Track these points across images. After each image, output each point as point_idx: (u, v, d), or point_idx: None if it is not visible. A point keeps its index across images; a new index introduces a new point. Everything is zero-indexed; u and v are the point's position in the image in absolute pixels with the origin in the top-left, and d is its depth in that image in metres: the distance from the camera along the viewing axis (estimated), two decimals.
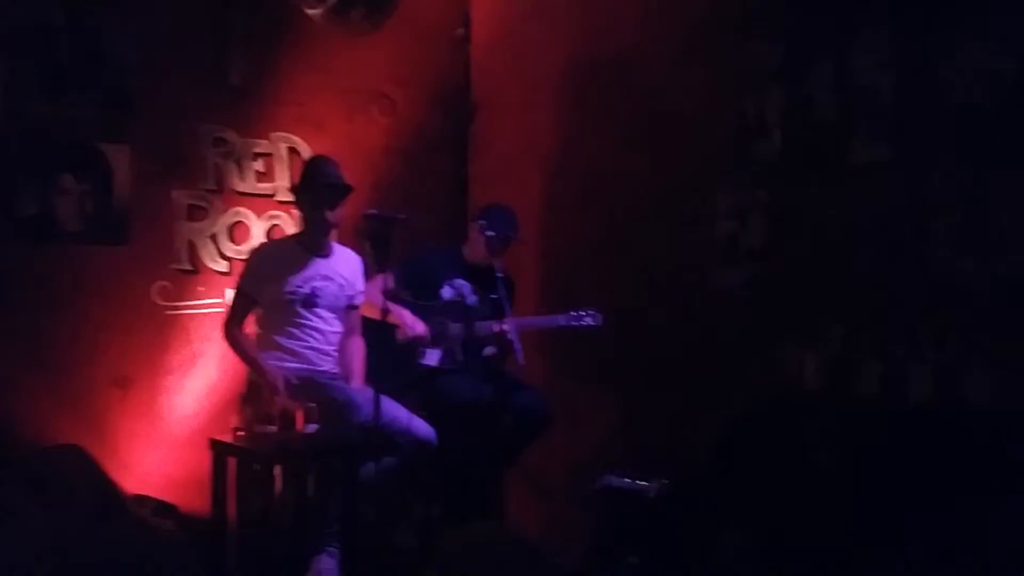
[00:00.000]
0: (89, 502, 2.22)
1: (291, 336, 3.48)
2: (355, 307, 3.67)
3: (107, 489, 2.43)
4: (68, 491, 2.21)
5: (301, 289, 3.47)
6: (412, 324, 3.69)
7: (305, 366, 3.47)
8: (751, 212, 3.65)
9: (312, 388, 3.40)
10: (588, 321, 3.82)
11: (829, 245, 3.37)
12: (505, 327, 3.67)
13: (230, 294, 3.79)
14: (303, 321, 3.48)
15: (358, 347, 3.68)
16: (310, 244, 3.55)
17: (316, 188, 3.49)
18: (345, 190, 3.52)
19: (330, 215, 3.49)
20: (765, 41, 3.56)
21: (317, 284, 3.50)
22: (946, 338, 2.98)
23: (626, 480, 3.43)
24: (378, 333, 3.59)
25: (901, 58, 3.17)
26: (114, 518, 2.25)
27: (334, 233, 3.61)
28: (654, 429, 3.81)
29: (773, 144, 3.58)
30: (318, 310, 3.50)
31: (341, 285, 3.57)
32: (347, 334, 3.65)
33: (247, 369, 3.50)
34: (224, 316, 3.55)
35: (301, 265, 3.49)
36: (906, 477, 2.71)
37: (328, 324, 3.54)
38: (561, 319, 3.84)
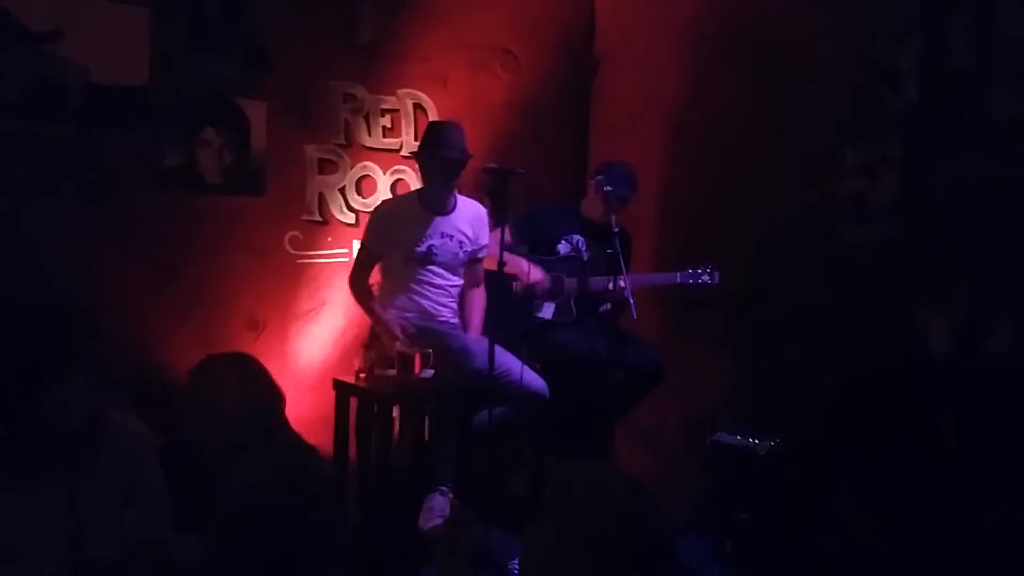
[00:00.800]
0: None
1: (409, 291, 3.61)
2: (478, 260, 3.75)
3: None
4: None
5: (418, 248, 3.57)
6: (530, 272, 3.74)
7: (423, 317, 3.58)
8: (882, 167, 3.51)
9: (429, 335, 3.51)
10: (706, 278, 3.78)
11: (963, 203, 3.21)
12: (620, 283, 3.67)
13: (356, 245, 3.94)
14: (420, 277, 3.60)
15: (479, 299, 3.77)
16: (431, 202, 3.63)
17: (434, 159, 3.56)
18: (461, 163, 3.58)
19: (447, 185, 3.57)
20: None
21: (435, 243, 3.59)
22: None
23: (738, 437, 3.41)
24: (495, 284, 3.66)
25: None
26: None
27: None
28: (770, 388, 3.75)
29: (907, 95, 3.43)
30: (434, 267, 3.60)
31: (461, 242, 3.65)
32: (469, 285, 3.74)
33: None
34: (350, 269, 3.71)
35: (420, 223, 3.59)
36: None
37: (445, 279, 3.64)
38: (678, 276, 3.81)
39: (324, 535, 2.16)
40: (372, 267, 3.69)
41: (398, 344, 3.43)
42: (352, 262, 3.76)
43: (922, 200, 3.36)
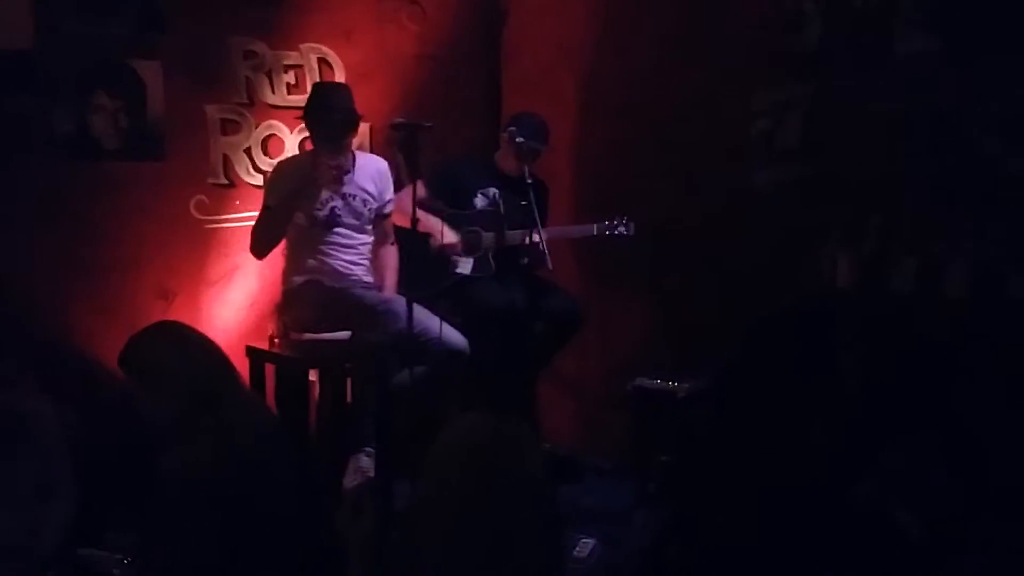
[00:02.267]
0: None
1: (319, 253, 3.53)
2: (385, 216, 3.69)
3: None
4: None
5: (320, 212, 3.49)
6: (443, 234, 3.71)
7: (337, 281, 3.52)
8: (788, 109, 3.55)
9: (348, 298, 3.46)
10: (621, 229, 3.80)
11: (870, 141, 3.27)
12: (536, 237, 3.66)
13: None
14: (328, 239, 3.53)
15: (391, 255, 3.72)
16: None
17: (319, 122, 3.46)
18: (346, 125, 3.46)
19: (337, 147, 3.44)
20: None
21: (336, 204, 3.51)
22: (988, 233, 2.89)
23: (657, 382, 3.46)
24: (410, 241, 3.61)
25: None
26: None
27: (363, 143, 3.61)
28: (688, 332, 3.80)
29: (811, 36, 3.46)
30: (340, 229, 3.53)
31: (365, 200, 3.59)
32: (379, 243, 3.68)
33: (284, 276, 3.58)
34: (251, 235, 3.56)
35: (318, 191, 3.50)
36: (937, 373, 2.68)
37: (354, 239, 3.58)
38: (594, 228, 3.83)
39: (270, 507, 2.14)
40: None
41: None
42: (253, 227, 3.59)
43: (828, 139, 3.41)
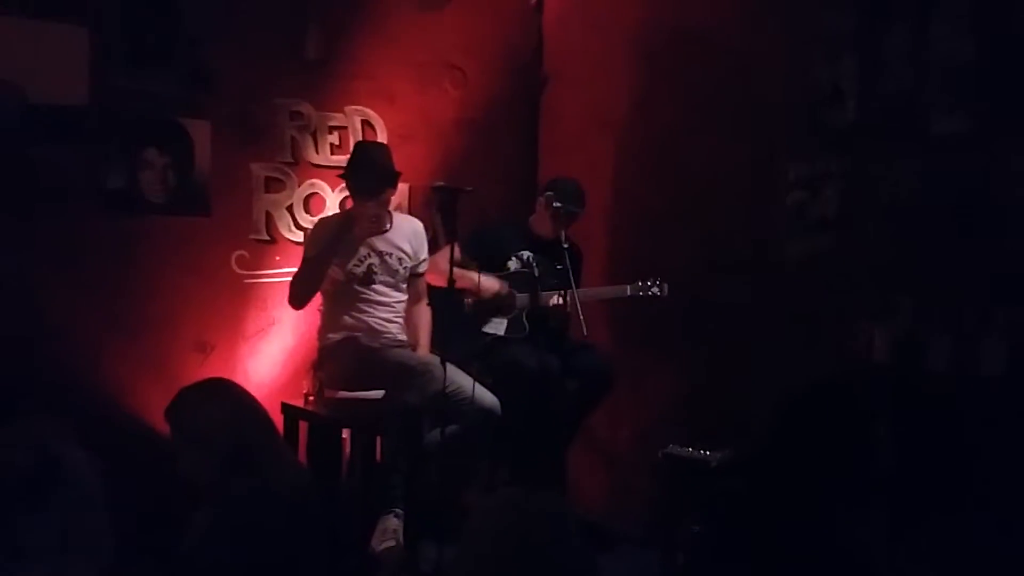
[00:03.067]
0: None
1: (355, 310, 3.58)
2: (419, 275, 3.74)
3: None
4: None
5: (358, 268, 3.56)
6: (480, 282, 3.75)
7: (373, 339, 3.56)
8: (823, 182, 3.58)
9: (384, 356, 3.49)
10: (655, 291, 3.83)
11: (902, 218, 3.29)
12: (570, 298, 3.69)
13: None
14: (364, 296, 3.58)
15: (425, 315, 3.77)
16: None
17: (359, 177, 3.55)
18: (384, 182, 3.54)
19: (372, 205, 3.52)
20: (839, 5, 3.48)
21: (373, 261, 3.58)
22: (1018, 315, 2.89)
23: (689, 449, 3.44)
24: (446, 302, 3.65)
25: (981, 23, 3.06)
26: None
27: (402, 204, 3.68)
28: (720, 400, 3.79)
29: (847, 113, 3.50)
30: (376, 286, 3.60)
31: (400, 258, 3.65)
32: (412, 301, 3.74)
33: (320, 332, 3.65)
34: (290, 286, 3.62)
35: (356, 243, 3.57)
36: (971, 451, 2.66)
37: (389, 296, 3.64)
38: (628, 289, 3.86)
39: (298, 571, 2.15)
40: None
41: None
42: (292, 279, 3.65)
43: (862, 214, 3.43)
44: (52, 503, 2.48)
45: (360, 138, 4.21)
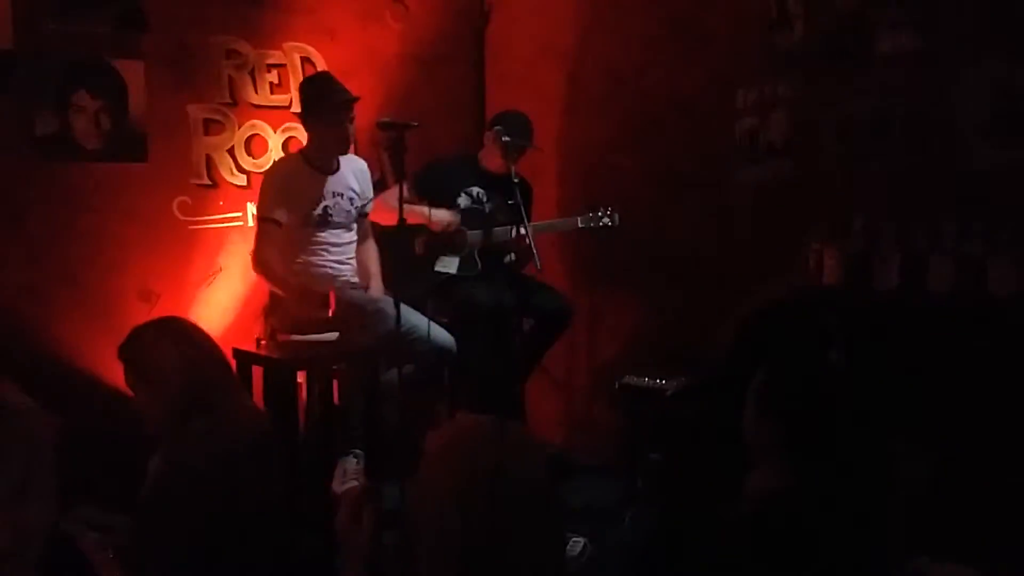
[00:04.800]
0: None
1: (309, 254, 3.50)
2: (365, 215, 3.69)
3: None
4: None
5: (314, 211, 3.47)
6: (437, 215, 3.69)
7: (326, 284, 3.48)
8: (772, 107, 3.57)
9: (340, 301, 3.43)
10: (606, 221, 3.81)
11: (852, 138, 3.29)
12: (523, 232, 3.66)
13: (251, 208, 3.83)
14: (318, 239, 3.50)
15: (373, 252, 3.72)
16: (318, 162, 3.52)
17: (327, 106, 3.44)
18: (352, 101, 3.48)
19: (348, 129, 3.46)
20: None
21: (328, 203, 3.50)
22: (971, 231, 2.92)
23: (645, 379, 3.47)
24: (395, 242, 3.60)
25: None
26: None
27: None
28: (675, 329, 3.82)
29: (794, 35, 3.47)
30: (332, 228, 3.52)
31: (351, 198, 3.58)
32: (360, 240, 3.68)
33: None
34: (254, 250, 3.48)
35: (312, 185, 3.48)
36: (924, 371, 2.70)
37: (341, 238, 3.57)
38: (579, 220, 3.83)
39: (256, 511, 2.13)
40: (277, 237, 3.44)
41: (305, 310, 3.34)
42: (255, 244, 3.49)
43: (812, 137, 3.43)
44: (4, 450, 2.44)
45: (300, 76, 4.09)
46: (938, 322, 2.87)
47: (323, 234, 3.51)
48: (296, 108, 4.07)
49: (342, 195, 3.55)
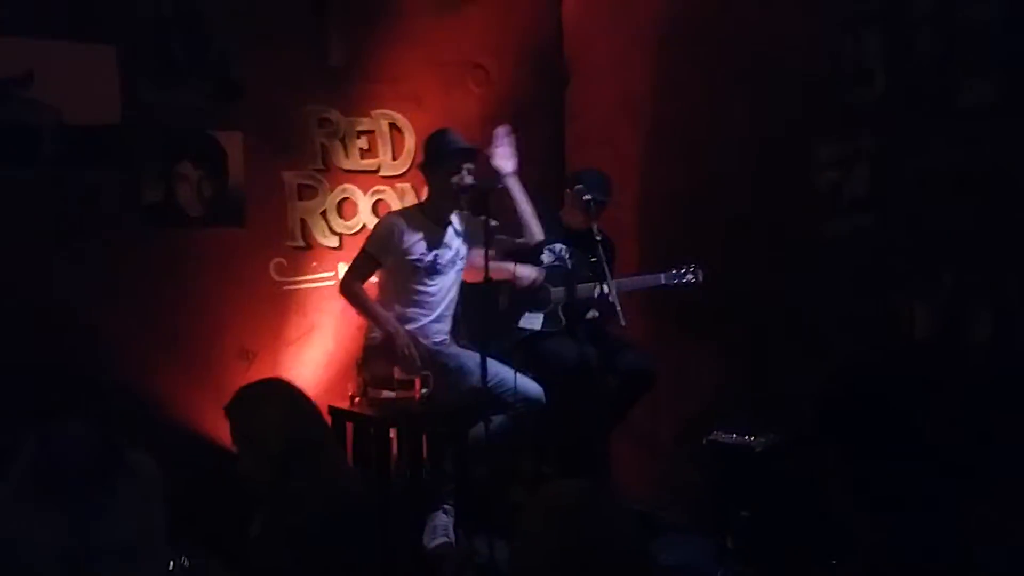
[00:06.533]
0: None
1: (412, 304, 3.61)
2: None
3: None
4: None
5: (425, 257, 3.59)
6: (522, 271, 3.78)
7: (421, 332, 3.59)
8: (853, 160, 3.57)
9: (423, 355, 3.52)
10: (690, 277, 3.82)
11: (935, 191, 3.27)
12: (606, 289, 3.70)
13: (342, 268, 3.95)
14: (424, 288, 3.61)
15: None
16: (433, 213, 3.67)
17: (446, 155, 3.59)
18: (473, 151, 3.63)
19: (466, 177, 3.58)
20: None
21: (439, 251, 3.62)
22: None
23: (733, 435, 3.45)
24: (480, 298, 3.68)
25: None
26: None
27: None
28: (761, 384, 3.79)
29: (874, 89, 3.48)
30: (438, 276, 3.62)
31: (457, 250, 3.69)
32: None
33: (365, 332, 3.66)
34: (344, 275, 3.69)
35: (425, 233, 3.61)
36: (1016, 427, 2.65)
37: (446, 291, 3.67)
38: (663, 277, 3.86)
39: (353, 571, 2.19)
40: (370, 275, 3.67)
41: (397, 370, 3.43)
42: (348, 269, 3.72)
43: (895, 190, 3.41)
44: (121, 493, 2.55)
45: (389, 142, 4.26)
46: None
47: (428, 286, 3.61)
48: (385, 172, 4.25)
49: (451, 247, 3.67)
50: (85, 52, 3.59)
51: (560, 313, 3.95)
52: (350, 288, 3.61)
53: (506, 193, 3.68)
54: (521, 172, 4.43)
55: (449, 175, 3.57)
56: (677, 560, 3.39)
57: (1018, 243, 3.00)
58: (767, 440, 3.35)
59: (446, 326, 3.70)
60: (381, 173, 4.26)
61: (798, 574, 2.89)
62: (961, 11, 3.17)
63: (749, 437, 3.38)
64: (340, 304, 3.77)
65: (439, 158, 3.62)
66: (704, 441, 3.48)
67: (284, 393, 2.36)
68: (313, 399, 3.75)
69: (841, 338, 3.46)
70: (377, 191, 4.26)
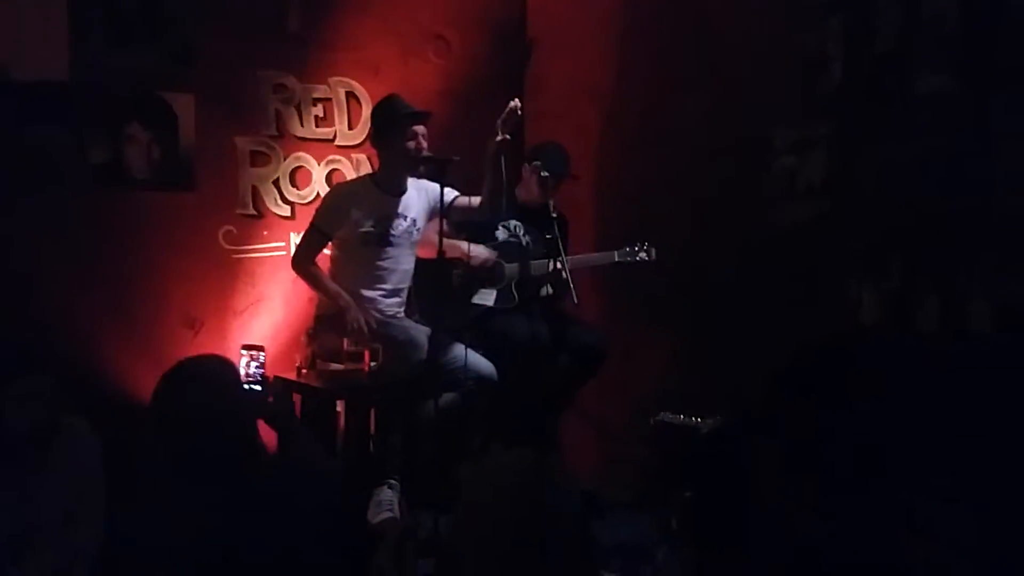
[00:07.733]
0: None
1: (365, 277, 3.54)
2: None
3: None
4: None
5: (375, 229, 3.51)
6: (475, 250, 3.73)
7: (372, 306, 3.54)
8: (810, 146, 3.58)
9: (373, 327, 3.49)
10: (643, 256, 3.82)
11: (890, 179, 3.29)
12: (559, 266, 3.68)
13: (294, 238, 3.90)
14: (377, 261, 3.54)
15: None
16: (385, 183, 3.59)
17: (396, 119, 3.50)
18: (424, 115, 3.55)
19: (418, 142, 3.49)
20: None
21: (391, 223, 3.54)
22: (1007, 272, 2.90)
23: (680, 417, 3.46)
24: (433, 274, 3.64)
25: None
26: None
27: None
28: (710, 366, 3.81)
29: (834, 76, 3.49)
30: (391, 248, 3.55)
31: (413, 220, 3.61)
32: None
33: (315, 305, 3.61)
34: (295, 251, 3.62)
35: (375, 205, 3.53)
36: (961, 411, 2.69)
37: (400, 264, 3.60)
38: (615, 255, 3.85)
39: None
40: (320, 250, 3.58)
41: (346, 342, 3.38)
42: (299, 245, 3.64)
43: (849, 177, 3.44)
44: (59, 464, 2.50)
45: (345, 110, 4.20)
46: (975, 363, 2.85)
47: (384, 259, 3.54)
48: (340, 141, 4.18)
49: (405, 217, 3.59)
50: (34, 8, 3.49)
51: (513, 290, 3.93)
52: (302, 265, 3.54)
53: (487, 164, 3.57)
54: (481, 146, 4.42)
55: (403, 140, 3.49)
56: (620, 538, 3.41)
57: (970, 232, 3.03)
58: (713, 422, 3.37)
59: (400, 300, 3.66)
60: (337, 142, 4.20)
61: (736, 556, 2.92)
62: (923, 2, 3.18)
63: (696, 419, 3.40)
64: (290, 275, 3.72)
65: (389, 124, 3.53)
66: (651, 421, 3.49)
67: (212, 379, 2.25)
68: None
69: (790, 323, 3.49)
70: (332, 160, 4.19)
